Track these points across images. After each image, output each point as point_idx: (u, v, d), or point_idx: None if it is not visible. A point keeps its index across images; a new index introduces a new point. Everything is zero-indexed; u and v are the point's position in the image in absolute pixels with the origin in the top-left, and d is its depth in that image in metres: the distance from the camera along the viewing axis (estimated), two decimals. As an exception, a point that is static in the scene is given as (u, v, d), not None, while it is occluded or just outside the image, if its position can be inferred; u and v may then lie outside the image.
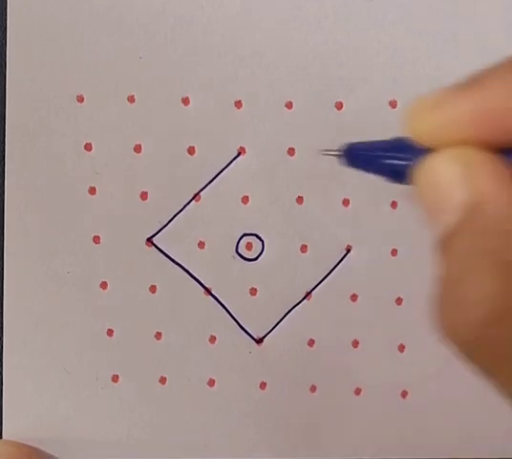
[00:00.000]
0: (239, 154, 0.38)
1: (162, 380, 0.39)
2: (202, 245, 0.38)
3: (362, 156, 0.27)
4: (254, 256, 0.38)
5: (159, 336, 0.39)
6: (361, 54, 0.38)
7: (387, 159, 0.25)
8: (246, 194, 0.38)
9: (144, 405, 0.39)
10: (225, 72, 0.37)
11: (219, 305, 0.39)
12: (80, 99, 0.37)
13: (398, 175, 0.24)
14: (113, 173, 0.37)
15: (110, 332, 0.38)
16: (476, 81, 0.22)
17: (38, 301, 0.38)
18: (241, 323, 0.39)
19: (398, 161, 0.24)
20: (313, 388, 0.39)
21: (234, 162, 0.38)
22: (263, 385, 0.39)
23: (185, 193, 0.38)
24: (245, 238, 0.38)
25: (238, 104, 0.38)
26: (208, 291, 0.38)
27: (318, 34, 0.37)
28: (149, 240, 0.38)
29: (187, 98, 0.37)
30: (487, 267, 0.21)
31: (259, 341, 0.39)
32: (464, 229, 0.22)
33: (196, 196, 0.38)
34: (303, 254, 0.39)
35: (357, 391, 0.40)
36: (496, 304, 0.21)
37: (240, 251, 0.38)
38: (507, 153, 0.22)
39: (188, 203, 0.38)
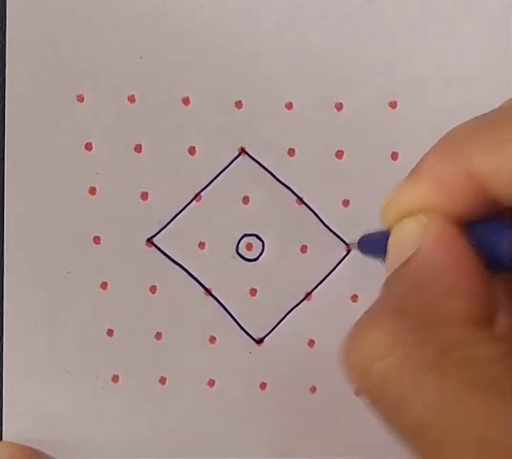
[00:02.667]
0: (239, 154, 0.38)
1: (162, 380, 0.39)
2: (202, 245, 0.38)
3: (372, 245, 0.30)
4: (254, 256, 0.38)
5: (159, 336, 0.39)
6: (361, 54, 0.38)
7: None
8: (246, 194, 0.38)
9: (144, 405, 0.39)
10: (225, 72, 0.37)
11: (219, 305, 0.39)
12: (80, 99, 0.37)
13: None
14: (113, 173, 0.37)
15: (110, 332, 0.38)
16: (420, 169, 0.25)
17: (38, 301, 0.38)
18: (241, 323, 0.39)
19: None
20: (313, 388, 0.39)
21: (234, 162, 0.38)
22: (263, 385, 0.39)
23: (185, 193, 0.38)
24: (245, 238, 0.38)
25: (238, 104, 0.38)
26: (208, 291, 0.38)
27: (318, 34, 0.37)
28: (149, 240, 0.38)
29: (187, 97, 0.37)
30: (385, 313, 0.23)
31: (259, 342, 0.39)
32: (394, 277, 0.24)
33: (196, 196, 0.38)
34: (303, 254, 0.39)
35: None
36: (381, 348, 0.22)
37: (240, 251, 0.38)
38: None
39: (188, 203, 0.38)
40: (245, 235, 0.38)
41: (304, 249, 0.39)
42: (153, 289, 0.38)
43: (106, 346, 0.38)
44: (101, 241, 0.38)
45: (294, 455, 0.40)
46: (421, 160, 0.25)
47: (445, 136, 0.25)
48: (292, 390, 0.39)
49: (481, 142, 0.24)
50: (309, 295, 0.39)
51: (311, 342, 0.39)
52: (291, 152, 0.38)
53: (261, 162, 0.38)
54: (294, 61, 0.37)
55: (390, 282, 0.24)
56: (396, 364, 0.22)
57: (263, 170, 0.38)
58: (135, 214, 0.38)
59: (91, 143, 0.37)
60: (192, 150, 0.38)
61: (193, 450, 0.39)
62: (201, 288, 0.38)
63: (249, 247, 0.38)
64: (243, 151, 0.38)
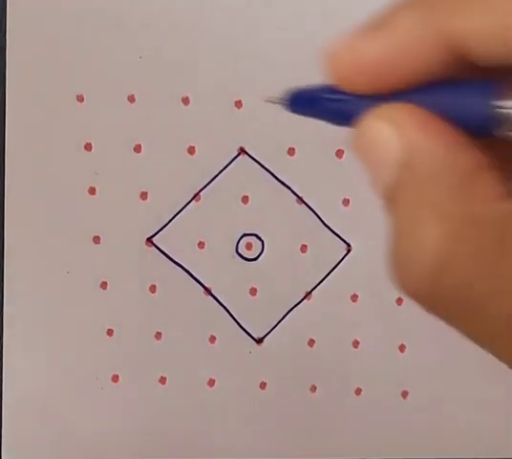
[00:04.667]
0: (238, 154, 0.38)
1: (162, 380, 0.39)
2: (201, 245, 0.38)
3: (305, 101, 0.26)
4: (254, 256, 0.38)
5: (159, 336, 0.39)
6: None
7: (329, 101, 0.25)
8: (246, 194, 0.38)
9: (144, 405, 0.39)
10: (225, 72, 0.37)
11: (219, 305, 0.39)
12: (80, 99, 0.37)
13: (341, 117, 0.24)
14: (113, 173, 0.37)
15: (110, 332, 0.38)
16: (384, 22, 0.23)
17: (38, 301, 0.38)
18: (241, 323, 0.39)
19: (340, 102, 0.24)
20: (313, 388, 0.39)
21: (234, 162, 0.38)
22: (263, 385, 0.39)
23: (185, 193, 0.38)
24: (245, 238, 0.38)
25: (238, 104, 0.38)
26: (208, 291, 0.38)
27: (318, 34, 0.37)
28: (149, 240, 0.38)
29: (187, 97, 0.37)
30: (428, 218, 0.22)
31: (259, 341, 0.39)
32: (402, 184, 0.23)
33: (196, 196, 0.38)
34: (303, 254, 0.39)
35: (357, 391, 0.40)
36: (441, 253, 0.21)
37: (240, 251, 0.38)
38: (422, 93, 0.23)
39: (188, 203, 0.38)
40: (244, 235, 0.38)
41: (304, 248, 0.39)
42: (153, 289, 0.38)
43: (106, 346, 0.38)
44: (101, 241, 0.38)
45: (294, 455, 0.40)
46: (390, 10, 0.23)
47: None
48: (292, 390, 0.39)
49: (459, 2, 0.22)
50: (308, 294, 0.39)
51: (311, 342, 0.39)
52: (291, 152, 0.38)
53: (261, 161, 0.38)
54: (294, 61, 0.37)
55: (397, 189, 0.23)
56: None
57: (262, 170, 0.38)
58: (134, 214, 0.38)
59: (91, 143, 0.37)
60: (192, 150, 0.38)
61: (193, 450, 0.39)
62: (201, 288, 0.38)
63: (249, 246, 0.38)
64: (242, 151, 0.38)
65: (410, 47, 0.22)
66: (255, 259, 0.38)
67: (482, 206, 0.22)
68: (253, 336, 0.39)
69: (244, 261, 0.38)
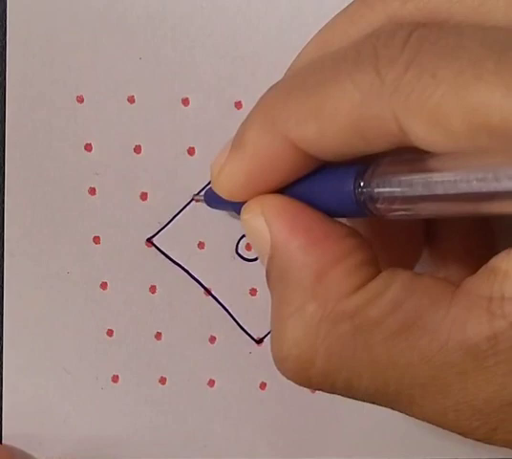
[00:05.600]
0: (239, 154, 0.38)
1: (162, 380, 0.39)
2: (202, 245, 0.38)
3: (215, 199, 0.31)
4: (254, 256, 0.38)
5: (159, 336, 0.39)
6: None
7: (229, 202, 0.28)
8: (246, 194, 0.38)
9: (144, 405, 0.39)
10: (225, 72, 0.37)
11: (219, 305, 0.39)
12: (80, 99, 0.37)
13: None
14: (113, 173, 0.37)
15: (110, 332, 0.38)
16: (239, 140, 0.26)
17: (38, 301, 0.38)
18: (241, 323, 0.39)
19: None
20: (313, 388, 0.39)
21: (234, 162, 0.38)
22: (263, 385, 0.39)
23: (185, 193, 0.38)
24: (245, 239, 0.38)
25: (238, 105, 0.37)
26: (208, 291, 0.38)
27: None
28: (149, 240, 0.38)
29: (187, 98, 0.37)
30: (289, 317, 0.24)
31: (259, 341, 0.39)
32: (269, 276, 0.25)
33: (196, 196, 0.38)
34: (303, 254, 0.39)
35: (357, 391, 0.40)
36: (303, 352, 0.24)
37: (240, 251, 0.38)
38: (293, 189, 0.25)
39: (188, 203, 0.38)
40: (244, 235, 0.38)
41: (304, 249, 0.39)
42: (153, 289, 0.38)
43: (106, 346, 0.38)
44: (101, 241, 0.38)
45: (294, 455, 0.40)
46: (242, 129, 0.26)
47: (261, 101, 0.26)
48: (292, 390, 0.39)
49: (297, 110, 0.24)
50: (308, 295, 0.39)
51: (311, 343, 0.39)
52: (291, 152, 0.38)
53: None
54: (294, 61, 0.37)
55: (269, 280, 0.25)
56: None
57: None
58: (134, 214, 0.38)
59: (91, 144, 0.37)
60: (191, 150, 0.38)
61: (193, 450, 0.39)
62: (201, 288, 0.38)
63: (249, 247, 0.38)
64: (242, 151, 0.38)
65: (263, 159, 0.25)
66: (255, 259, 0.38)
67: (334, 304, 0.23)
68: (253, 336, 0.39)
69: (244, 261, 0.38)
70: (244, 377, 0.39)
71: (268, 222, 0.24)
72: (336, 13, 0.27)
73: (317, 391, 0.39)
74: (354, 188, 0.24)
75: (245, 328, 0.39)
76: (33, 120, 0.37)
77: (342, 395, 0.25)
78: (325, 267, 0.23)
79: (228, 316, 0.39)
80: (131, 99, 0.37)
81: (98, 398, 0.39)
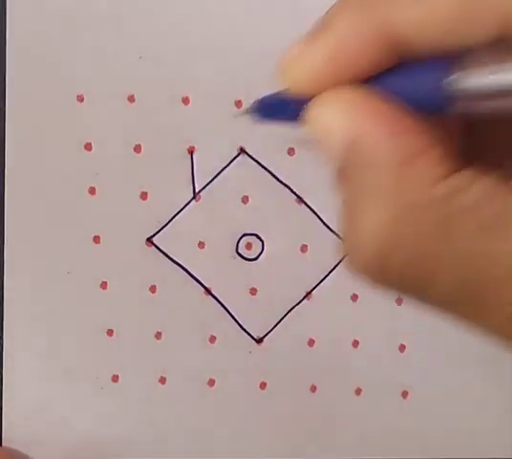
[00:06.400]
0: (239, 154, 0.38)
1: (162, 380, 0.39)
2: (202, 245, 0.38)
3: (268, 108, 0.28)
4: (254, 256, 0.38)
5: (159, 336, 0.39)
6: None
7: (290, 105, 0.25)
8: (246, 194, 0.38)
9: (144, 405, 0.39)
10: (225, 72, 0.37)
11: (219, 305, 0.39)
12: (80, 99, 0.37)
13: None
14: (113, 173, 0.37)
15: (110, 332, 0.38)
16: (325, 25, 0.24)
17: (38, 301, 0.38)
18: (241, 323, 0.39)
19: (301, 105, 0.25)
20: (313, 388, 0.39)
21: (234, 161, 0.38)
22: (263, 385, 0.39)
23: (185, 193, 0.38)
24: (244, 238, 0.38)
25: (238, 104, 0.38)
26: (208, 291, 0.38)
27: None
28: (149, 240, 0.38)
29: (187, 97, 0.37)
30: (369, 203, 0.22)
31: (259, 341, 0.39)
32: (346, 168, 0.24)
33: (196, 196, 0.38)
34: (303, 254, 0.39)
35: (357, 391, 0.40)
36: (382, 238, 0.22)
37: (240, 251, 0.38)
38: (374, 82, 0.24)
39: (188, 203, 0.38)
40: (244, 235, 0.38)
41: (304, 248, 0.39)
42: (153, 288, 0.38)
43: (106, 346, 0.38)
44: (101, 241, 0.38)
45: (294, 455, 0.40)
46: (331, 13, 0.24)
47: None
48: (292, 390, 0.39)
49: None
50: (308, 294, 0.39)
51: (311, 342, 0.39)
52: (291, 152, 0.38)
53: (260, 161, 0.38)
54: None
55: (345, 173, 0.24)
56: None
57: (262, 170, 0.38)
58: (134, 214, 0.38)
59: (91, 144, 0.37)
60: (191, 150, 0.38)
61: (193, 450, 0.39)
62: (201, 287, 0.38)
63: (249, 246, 0.38)
64: (242, 151, 0.38)
65: (350, 46, 0.23)
66: (255, 259, 0.38)
67: (421, 189, 0.22)
68: (253, 336, 0.39)
69: (244, 261, 0.38)
70: (244, 377, 0.39)
71: (351, 111, 0.23)
72: None
73: (317, 390, 0.39)
74: (444, 80, 0.23)
75: (246, 328, 0.39)
76: (33, 119, 0.37)
77: (412, 294, 0.23)
78: (415, 152, 0.22)
79: (228, 316, 0.39)
80: (131, 99, 0.37)
81: (98, 398, 0.38)
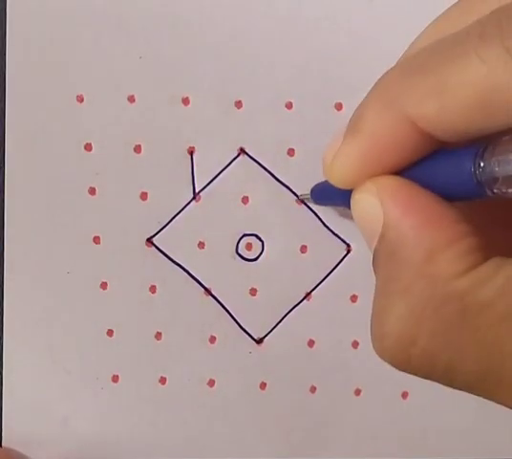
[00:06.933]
0: (239, 154, 0.38)
1: (162, 380, 0.39)
2: (202, 245, 0.38)
3: (322, 194, 0.32)
4: (254, 256, 0.38)
5: (159, 336, 0.39)
6: (361, 54, 0.38)
7: (339, 195, 0.28)
8: (246, 194, 0.38)
9: (144, 405, 0.39)
10: (225, 72, 0.37)
11: (219, 305, 0.39)
12: (80, 99, 0.37)
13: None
14: (113, 173, 0.37)
15: (110, 332, 0.38)
16: (356, 123, 0.25)
17: (38, 301, 0.38)
18: (241, 323, 0.39)
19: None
20: (313, 388, 0.39)
21: (234, 162, 0.38)
22: (263, 385, 0.39)
23: (185, 193, 0.38)
24: (245, 238, 0.38)
25: (238, 104, 0.38)
26: (208, 291, 0.38)
27: (318, 34, 0.37)
28: (149, 240, 0.38)
29: (187, 97, 0.37)
30: (394, 295, 0.23)
31: (259, 341, 0.39)
32: (378, 255, 0.25)
33: (196, 196, 0.38)
34: (303, 254, 0.39)
35: (357, 391, 0.40)
36: (405, 330, 0.23)
37: (240, 251, 0.38)
38: (410, 171, 0.25)
39: (188, 203, 0.38)
40: (244, 235, 0.38)
41: (304, 249, 0.39)
42: (153, 289, 0.38)
43: (106, 346, 0.38)
44: (101, 241, 0.38)
45: (294, 455, 0.40)
46: (359, 112, 0.25)
47: (378, 84, 0.25)
48: (292, 390, 0.39)
49: (418, 88, 0.23)
50: (308, 294, 0.39)
51: (311, 342, 0.39)
52: (291, 152, 0.38)
53: (260, 162, 0.38)
54: (294, 61, 0.37)
55: (376, 260, 0.25)
56: None
57: (262, 170, 0.38)
58: (134, 214, 0.38)
59: (91, 144, 0.37)
60: (191, 150, 0.38)
61: (193, 450, 0.39)
62: (201, 288, 0.38)
63: (249, 247, 0.38)
64: (242, 151, 0.38)
65: (380, 141, 0.24)
66: (255, 259, 0.38)
67: (442, 284, 0.23)
68: (253, 336, 0.39)
69: (244, 261, 0.38)
70: (244, 377, 0.39)
71: (383, 200, 0.24)
72: (449, 6, 0.27)
73: (317, 391, 0.39)
74: (474, 168, 0.23)
75: (246, 328, 0.39)
76: (33, 119, 0.37)
77: (438, 380, 0.24)
78: (437, 247, 0.23)
79: (228, 316, 0.39)
80: (131, 99, 0.37)
81: (98, 398, 0.38)
